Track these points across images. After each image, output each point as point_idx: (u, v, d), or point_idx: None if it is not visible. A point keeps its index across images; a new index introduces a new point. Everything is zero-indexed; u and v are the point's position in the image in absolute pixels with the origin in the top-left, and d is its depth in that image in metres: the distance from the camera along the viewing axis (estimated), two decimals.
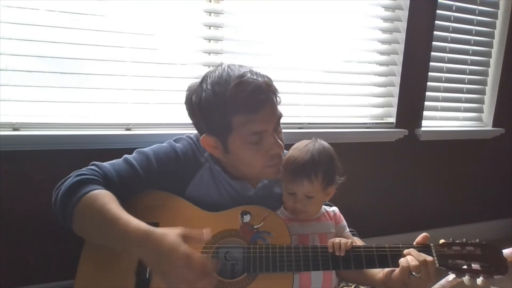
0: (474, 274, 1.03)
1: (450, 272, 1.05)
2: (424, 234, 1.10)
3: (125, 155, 1.18)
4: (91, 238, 1.06)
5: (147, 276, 1.05)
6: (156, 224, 1.11)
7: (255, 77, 1.10)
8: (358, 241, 1.25)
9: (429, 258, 1.02)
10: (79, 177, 1.05)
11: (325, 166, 1.12)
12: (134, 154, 1.19)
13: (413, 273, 1.01)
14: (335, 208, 1.25)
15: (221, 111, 1.09)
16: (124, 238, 0.94)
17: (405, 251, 1.05)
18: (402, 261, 1.03)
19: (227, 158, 1.18)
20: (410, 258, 1.02)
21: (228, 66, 1.13)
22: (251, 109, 1.08)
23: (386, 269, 1.09)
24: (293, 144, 1.21)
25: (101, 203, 0.99)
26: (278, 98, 1.15)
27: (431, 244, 1.08)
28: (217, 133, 1.13)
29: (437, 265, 1.04)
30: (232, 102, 1.07)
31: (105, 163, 1.14)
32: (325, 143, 1.17)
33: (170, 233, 0.93)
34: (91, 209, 0.99)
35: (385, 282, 1.09)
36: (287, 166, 1.13)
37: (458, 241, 1.09)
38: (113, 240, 0.98)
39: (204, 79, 1.14)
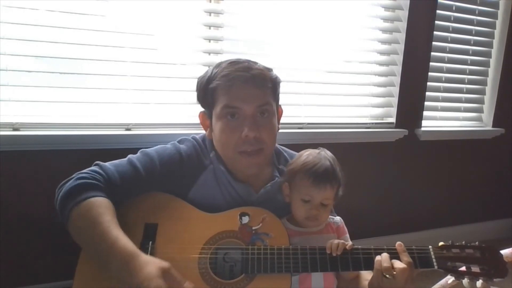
0: (474, 276, 1.03)
1: (449, 275, 1.05)
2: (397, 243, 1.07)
3: (130, 156, 1.17)
4: (81, 245, 1.05)
5: None
6: (155, 225, 1.12)
7: (254, 65, 1.17)
8: None
9: (402, 265, 1.00)
10: (80, 181, 1.04)
11: (339, 174, 1.14)
12: (138, 154, 1.18)
13: (386, 275, 0.99)
14: (338, 219, 1.22)
15: (210, 82, 1.16)
16: (108, 255, 0.93)
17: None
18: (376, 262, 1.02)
19: (213, 138, 1.21)
20: (384, 259, 1.01)
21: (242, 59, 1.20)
22: (231, 82, 1.12)
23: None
24: (294, 144, 1.21)
25: (95, 214, 0.98)
26: (271, 88, 1.18)
27: (430, 247, 1.08)
28: (206, 107, 1.20)
29: (436, 267, 1.04)
30: (220, 75, 1.14)
31: (108, 164, 1.12)
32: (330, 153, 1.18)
33: (152, 264, 0.91)
34: (84, 218, 0.99)
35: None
36: (306, 171, 1.11)
37: (457, 244, 1.08)
38: (98, 253, 0.97)
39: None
